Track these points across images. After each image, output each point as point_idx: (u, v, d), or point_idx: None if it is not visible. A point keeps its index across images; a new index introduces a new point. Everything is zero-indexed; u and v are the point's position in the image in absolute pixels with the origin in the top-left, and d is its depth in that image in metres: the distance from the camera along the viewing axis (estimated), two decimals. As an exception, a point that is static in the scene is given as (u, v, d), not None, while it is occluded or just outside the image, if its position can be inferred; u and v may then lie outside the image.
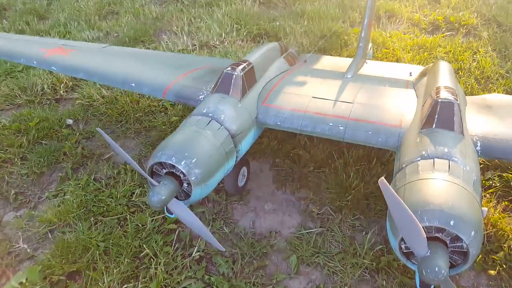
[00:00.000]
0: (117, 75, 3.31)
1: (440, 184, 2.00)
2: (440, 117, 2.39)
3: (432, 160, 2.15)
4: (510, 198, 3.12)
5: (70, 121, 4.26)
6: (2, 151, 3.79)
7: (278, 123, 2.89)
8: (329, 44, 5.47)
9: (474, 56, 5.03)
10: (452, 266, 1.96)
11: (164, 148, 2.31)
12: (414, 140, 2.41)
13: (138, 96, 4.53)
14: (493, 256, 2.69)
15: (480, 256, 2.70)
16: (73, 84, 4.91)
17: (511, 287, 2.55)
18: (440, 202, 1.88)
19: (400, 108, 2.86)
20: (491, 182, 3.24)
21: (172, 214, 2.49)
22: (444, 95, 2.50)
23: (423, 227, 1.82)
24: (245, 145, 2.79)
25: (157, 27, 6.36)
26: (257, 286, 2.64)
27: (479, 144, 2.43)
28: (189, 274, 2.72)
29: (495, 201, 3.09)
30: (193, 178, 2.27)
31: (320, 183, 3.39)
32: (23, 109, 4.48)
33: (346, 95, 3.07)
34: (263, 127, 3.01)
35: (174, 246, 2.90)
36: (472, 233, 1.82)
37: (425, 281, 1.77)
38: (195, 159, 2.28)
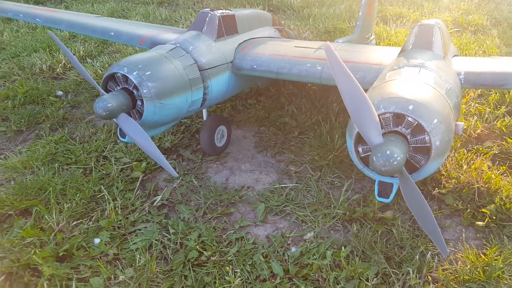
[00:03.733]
0: (97, 27, 3.29)
1: (405, 82, 1.81)
2: (417, 38, 2.22)
3: (402, 69, 1.96)
4: (508, 164, 2.79)
5: (60, 93, 4.23)
6: (-14, 112, 3.77)
7: (255, 66, 2.74)
8: (332, 38, 5.38)
9: (481, 47, 4.81)
10: (416, 170, 1.70)
11: (119, 62, 2.20)
12: (390, 65, 2.22)
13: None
14: (482, 210, 2.35)
15: (468, 210, 2.38)
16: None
17: (500, 238, 2.20)
18: (400, 91, 1.69)
19: (383, 54, 2.67)
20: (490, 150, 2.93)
21: (124, 137, 2.32)
22: (425, 21, 2.33)
23: (379, 116, 1.62)
24: (216, 85, 2.63)
25: (164, 25, 6.47)
26: (217, 230, 2.39)
27: (462, 73, 2.20)
28: (146, 218, 2.50)
29: (494, 166, 2.76)
30: (145, 91, 2.12)
31: (303, 148, 3.16)
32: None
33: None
34: (240, 74, 2.85)
35: (136, 193, 2.70)
36: (435, 121, 1.60)
37: (377, 171, 1.53)
38: (149, 72, 2.14)
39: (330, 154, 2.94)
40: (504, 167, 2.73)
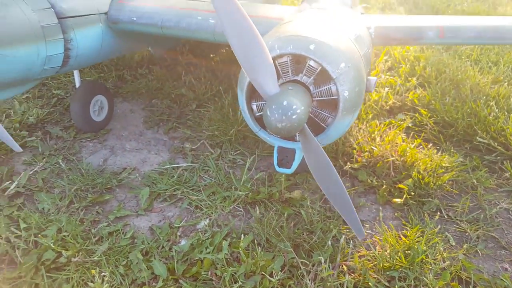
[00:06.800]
0: None
1: (306, 22, 1.53)
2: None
3: (303, 11, 1.71)
4: (423, 136, 2.66)
5: None
6: None
7: (134, 18, 2.22)
8: None
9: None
10: (322, 131, 1.44)
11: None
12: (291, 13, 1.96)
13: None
14: (399, 185, 2.17)
15: (384, 186, 2.17)
16: None
17: (420, 216, 2.02)
18: (299, 30, 1.41)
19: (287, 10, 2.36)
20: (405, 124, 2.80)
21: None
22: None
23: (275, 60, 1.33)
24: (84, 39, 2.06)
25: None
26: (85, 223, 1.87)
27: (372, 27, 1.97)
28: (-11, 211, 1.88)
29: (408, 138, 2.62)
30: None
31: (201, 122, 2.73)
32: None
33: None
34: (118, 30, 2.30)
35: (-22, 179, 2.05)
36: (342, 65, 1.31)
37: (272, 129, 1.22)
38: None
39: (232, 129, 2.56)
40: (418, 139, 2.59)
